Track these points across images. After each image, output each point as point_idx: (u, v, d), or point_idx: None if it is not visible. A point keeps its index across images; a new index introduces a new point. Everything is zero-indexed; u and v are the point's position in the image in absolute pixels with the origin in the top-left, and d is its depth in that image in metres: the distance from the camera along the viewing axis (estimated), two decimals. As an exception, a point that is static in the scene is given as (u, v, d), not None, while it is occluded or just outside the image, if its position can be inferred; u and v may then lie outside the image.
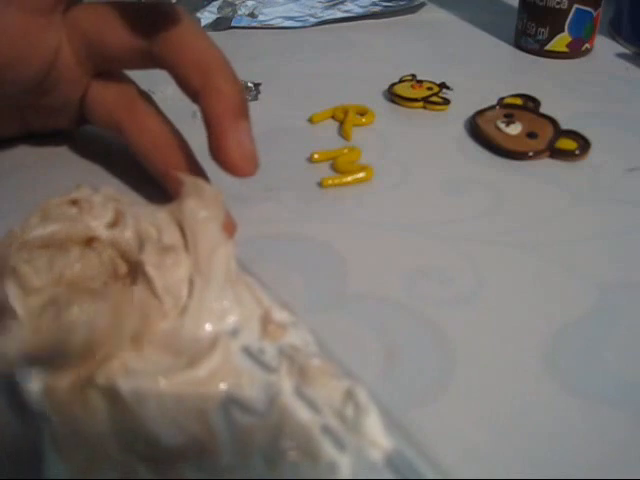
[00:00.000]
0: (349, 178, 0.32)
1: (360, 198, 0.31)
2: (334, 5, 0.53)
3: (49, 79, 0.29)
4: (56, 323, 0.16)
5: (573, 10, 0.45)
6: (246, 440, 0.16)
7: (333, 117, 0.38)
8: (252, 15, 0.51)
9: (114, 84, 0.31)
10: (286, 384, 0.17)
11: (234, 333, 0.18)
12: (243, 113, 0.26)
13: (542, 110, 0.38)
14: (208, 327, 0.18)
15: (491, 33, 0.51)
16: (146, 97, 0.31)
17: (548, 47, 0.46)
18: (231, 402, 0.17)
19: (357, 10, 0.53)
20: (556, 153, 0.35)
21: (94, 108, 0.31)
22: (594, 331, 0.24)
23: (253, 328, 0.18)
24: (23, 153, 0.34)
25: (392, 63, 0.45)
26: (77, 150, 0.34)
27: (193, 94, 0.27)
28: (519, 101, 0.39)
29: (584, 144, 0.35)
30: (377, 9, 0.53)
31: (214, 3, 0.51)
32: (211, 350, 0.17)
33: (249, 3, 0.52)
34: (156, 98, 0.31)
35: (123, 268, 0.19)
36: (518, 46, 0.48)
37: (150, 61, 0.28)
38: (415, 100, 0.39)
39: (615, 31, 0.50)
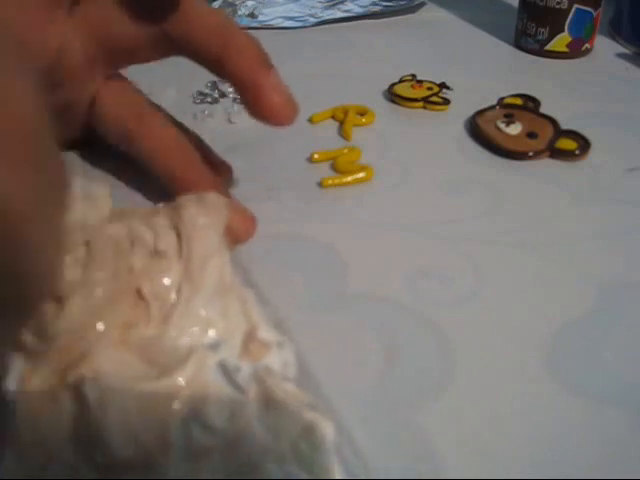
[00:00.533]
0: (349, 178, 0.32)
1: (360, 198, 0.31)
2: (334, 5, 0.53)
3: (52, 78, 0.28)
4: None
5: (573, 10, 0.45)
6: (199, 458, 0.16)
7: (333, 117, 0.38)
8: (252, 15, 0.51)
9: (123, 93, 0.31)
10: (251, 407, 0.17)
11: (214, 346, 0.18)
12: (270, 63, 0.27)
13: (542, 110, 0.38)
14: (187, 338, 0.18)
15: (491, 33, 0.51)
16: (155, 107, 0.30)
17: (548, 47, 0.46)
18: (192, 419, 0.16)
19: (357, 10, 0.53)
20: (556, 153, 0.35)
21: (103, 117, 0.30)
22: (594, 331, 0.24)
23: (234, 344, 0.18)
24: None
25: (392, 63, 0.45)
26: (77, 150, 0.34)
27: (216, 59, 0.27)
28: (519, 101, 0.39)
29: (584, 144, 0.35)
30: (377, 9, 0.53)
31: (214, 3, 0.51)
32: (184, 363, 0.17)
33: (249, 3, 0.52)
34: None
35: None
36: (518, 46, 0.48)
37: (163, 46, 0.28)
38: (415, 100, 0.39)
39: (615, 31, 0.50)
